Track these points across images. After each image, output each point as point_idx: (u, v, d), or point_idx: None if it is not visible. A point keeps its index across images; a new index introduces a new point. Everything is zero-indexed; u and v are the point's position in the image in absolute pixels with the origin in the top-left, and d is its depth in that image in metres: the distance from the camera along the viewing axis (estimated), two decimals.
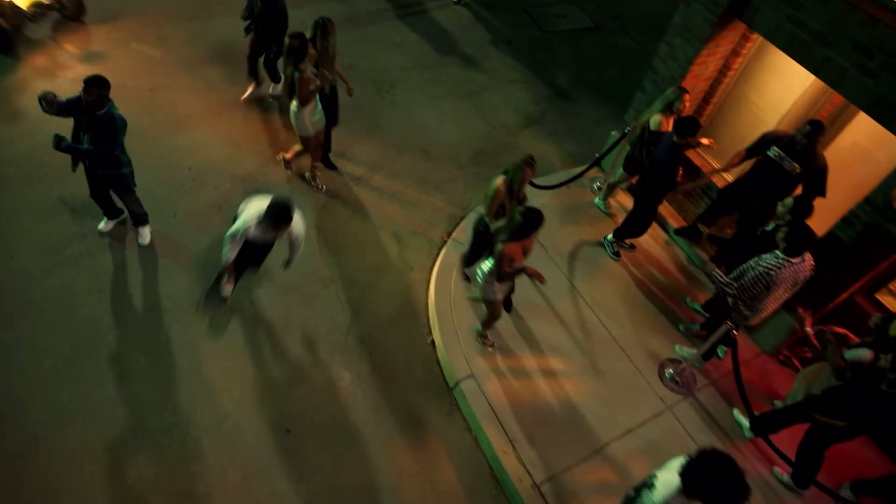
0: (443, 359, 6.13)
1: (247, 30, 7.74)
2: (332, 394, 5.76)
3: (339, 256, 6.89)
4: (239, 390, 5.62)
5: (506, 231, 5.18)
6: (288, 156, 7.46)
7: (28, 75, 8.12)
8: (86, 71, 5.88)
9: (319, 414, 5.61)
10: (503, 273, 5.29)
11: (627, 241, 7.27)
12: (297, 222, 5.37)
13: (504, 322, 6.37)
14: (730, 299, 5.55)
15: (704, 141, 6.62)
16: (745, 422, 5.87)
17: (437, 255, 7.06)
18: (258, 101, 8.42)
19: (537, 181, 7.43)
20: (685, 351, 6.45)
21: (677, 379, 6.25)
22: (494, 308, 5.75)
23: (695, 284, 7.23)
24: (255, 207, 5.29)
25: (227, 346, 5.91)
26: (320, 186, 7.49)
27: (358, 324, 6.32)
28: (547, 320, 6.55)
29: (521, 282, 6.73)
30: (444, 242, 7.21)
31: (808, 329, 5.47)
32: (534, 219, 5.05)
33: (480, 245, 6.12)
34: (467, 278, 6.65)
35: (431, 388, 5.98)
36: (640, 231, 7.10)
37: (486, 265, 5.46)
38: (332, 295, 6.52)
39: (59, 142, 5.38)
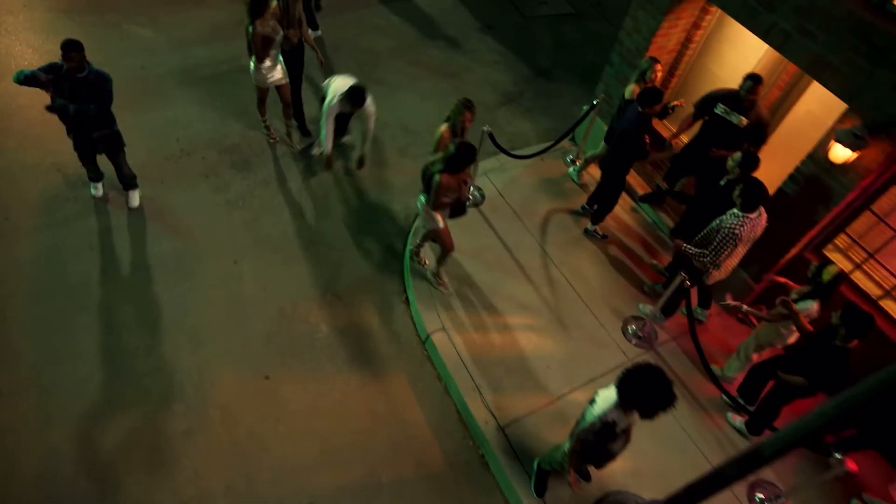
0: (416, 314, 6.43)
1: None
2: (309, 345, 6.07)
3: (321, 220, 7.21)
4: (221, 341, 5.92)
5: (441, 162, 5.53)
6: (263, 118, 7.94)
7: (17, 57, 8.42)
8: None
9: (297, 363, 5.92)
10: (439, 202, 5.68)
11: (600, 231, 7.51)
12: (370, 103, 6.70)
13: (476, 280, 6.68)
14: (707, 265, 5.79)
15: (675, 102, 6.91)
16: (739, 424, 6.02)
17: (413, 220, 7.36)
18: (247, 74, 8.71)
19: (514, 153, 7.75)
20: (648, 308, 6.74)
21: (640, 334, 6.55)
22: (442, 237, 6.06)
23: (660, 248, 7.55)
24: (337, 85, 6.69)
25: (211, 301, 6.21)
26: (273, 137, 7.99)
27: (336, 282, 6.63)
28: (517, 280, 6.85)
29: (495, 244, 7.08)
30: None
31: (745, 308, 5.77)
32: (467, 150, 5.41)
33: (426, 182, 6.37)
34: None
35: (404, 340, 6.28)
36: (612, 203, 7.34)
37: (423, 197, 5.82)
38: (312, 256, 6.83)
39: (60, 105, 5.51)
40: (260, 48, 6.77)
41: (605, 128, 7.62)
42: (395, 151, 8.25)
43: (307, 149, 7.98)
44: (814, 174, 5.63)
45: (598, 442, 4.06)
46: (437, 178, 5.49)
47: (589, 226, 7.48)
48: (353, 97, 6.55)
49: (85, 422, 5.21)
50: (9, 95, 7.74)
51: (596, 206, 7.46)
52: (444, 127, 6.09)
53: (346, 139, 8.07)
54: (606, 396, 4.00)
